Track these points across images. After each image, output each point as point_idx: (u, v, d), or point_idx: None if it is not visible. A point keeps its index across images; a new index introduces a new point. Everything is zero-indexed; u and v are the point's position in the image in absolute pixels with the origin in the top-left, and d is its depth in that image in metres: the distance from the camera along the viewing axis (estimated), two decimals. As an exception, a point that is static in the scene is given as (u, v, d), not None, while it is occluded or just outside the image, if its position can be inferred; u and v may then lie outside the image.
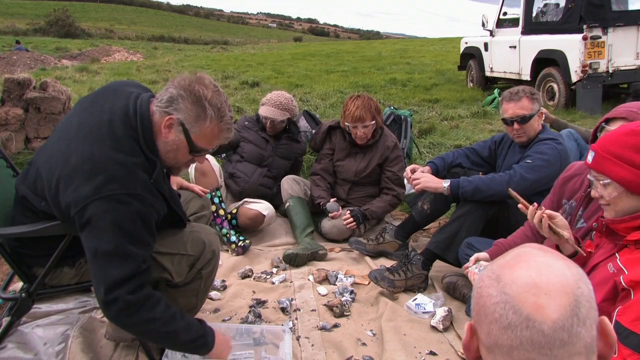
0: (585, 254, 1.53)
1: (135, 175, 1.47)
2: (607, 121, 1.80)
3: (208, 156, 2.70)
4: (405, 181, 3.46)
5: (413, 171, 2.66)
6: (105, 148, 1.46)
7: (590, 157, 1.41)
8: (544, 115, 2.55)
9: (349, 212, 3.06)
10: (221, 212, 3.00)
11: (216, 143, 1.61)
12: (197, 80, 1.53)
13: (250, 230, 3.14)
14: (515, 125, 2.49)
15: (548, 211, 1.61)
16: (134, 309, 1.44)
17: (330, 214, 3.09)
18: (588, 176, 1.47)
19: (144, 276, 1.49)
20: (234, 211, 3.08)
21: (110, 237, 1.42)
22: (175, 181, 2.23)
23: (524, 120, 2.47)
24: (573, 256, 1.55)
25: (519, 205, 1.72)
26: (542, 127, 2.55)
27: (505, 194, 2.41)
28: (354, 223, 3.03)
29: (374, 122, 3.10)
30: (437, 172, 2.73)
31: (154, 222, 1.53)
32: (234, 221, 3.08)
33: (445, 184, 2.52)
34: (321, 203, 3.15)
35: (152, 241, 1.53)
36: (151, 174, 1.52)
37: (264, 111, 3.23)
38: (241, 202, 3.16)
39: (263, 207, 3.09)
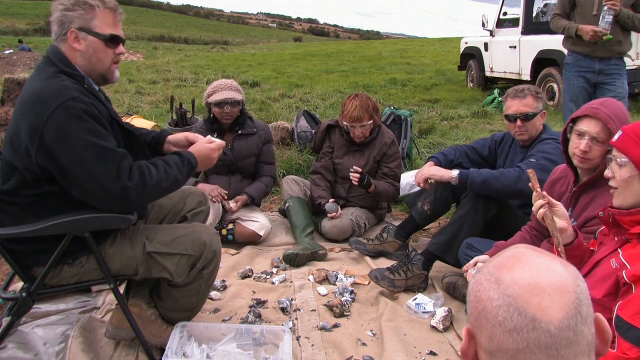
0: (563, 256, 1.52)
1: (64, 85, 1.57)
2: (574, 121, 1.83)
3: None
4: (402, 183, 3.48)
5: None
6: (34, 86, 1.60)
7: (616, 135, 1.42)
8: (546, 116, 2.56)
9: (358, 174, 3.02)
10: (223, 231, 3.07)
11: (119, 25, 1.72)
12: None
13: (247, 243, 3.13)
14: (518, 122, 2.48)
15: (550, 198, 1.60)
16: (141, 187, 1.61)
17: (329, 214, 3.09)
18: (608, 155, 1.47)
19: (127, 159, 1.62)
20: (230, 227, 3.07)
21: (78, 142, 1.53)
22: (185, 136, 2.07)
23: (527, 117, 2.47)
24: (568, 245, 1.56)
25: (535, 192, 1.68)
26: (543, 127, 2.55)
27: (514, 190, 2.40)
28: (358, 179, 2.99)
29: (371, 121, 3.10)
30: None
31: (102, 119, 1.61)
32: (230, 236, 3.06)
33: (454, 173, 2.50)
34: (321, 203, 3.15)
35: (111, 137, 1.62)
36: (82, 84, 1.63)
37: (219, 96, 3.00)
38: (235, 216, 3.13)
39: (258, 226, 3.07)
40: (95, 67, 1.70)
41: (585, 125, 1.76)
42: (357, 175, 3.00)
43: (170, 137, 2.03)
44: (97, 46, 1.67)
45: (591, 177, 1.79)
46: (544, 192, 1.59)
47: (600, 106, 1.75)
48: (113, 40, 1.70)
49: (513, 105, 2.50)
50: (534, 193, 1.61)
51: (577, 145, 1.78)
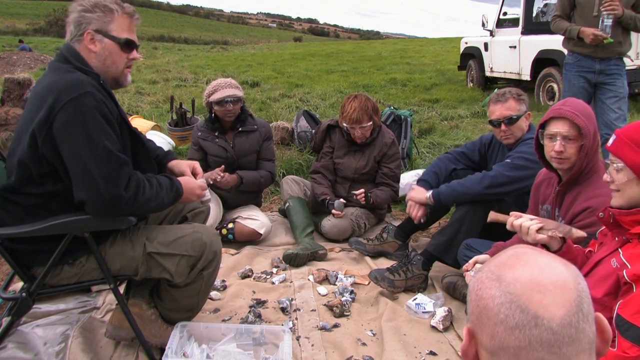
0: (585, 234, 1.57)
1: (79, 79, 1.59)
2: (543, 126, 1.88)
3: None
4: (402, 184, 3.49)
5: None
6: (48, 80, 1.63)
7: (611, 140, 1.43)
8: (531, 117, 2.57)
9: (362, 189, 3.11)
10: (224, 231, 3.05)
11: (134, 31, 1.76)
12: None
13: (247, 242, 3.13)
14: (503, 127, 2.50)
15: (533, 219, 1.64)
16: (132, 199, 1.60)
17: (333, 211, 3.09)
18: (605, 160, 1.50)
19: (128, 167, 1.62)
20: (230, 226, 3.07)
21: (83, 137, 1.53)
22: (187, 164, 2.13)
23: (511, 121, 2.48)
24: (558, 251, 1.59)
25: (508, 223, 1.72)
26: (529, 128, 2.56)
27: (479, 190, 2.44)
28: (364, 197, 3.08)
29: (371, 123, 3.10)
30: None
31: (112, 120, 1.62)
32: (230, 236, 3.05)
33: (428, 194, 2.58)
34: (327, 199, 3.14)
35: (117, 138, 1.63)
36: (97, 80, 1.64)
37: (220, 94, 2.98)
38: (235, 215, 3.13)
39: (259, 224, 3.06)
40: (109, 70, 1.72)
41: (554, 127, 1.82)
42: (363, 194, 3.06)
43: (172, 163, 2.05)
44: (113, 49, 1.70)
45: (571, 175, 1.85)
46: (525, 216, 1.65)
47: (563, 106, 1.82)
48: (128, 45, 1.73)
49: (496, 110, 2.52)
50: (511, 221, 1.67)
51: (551, 148, 1.84)
